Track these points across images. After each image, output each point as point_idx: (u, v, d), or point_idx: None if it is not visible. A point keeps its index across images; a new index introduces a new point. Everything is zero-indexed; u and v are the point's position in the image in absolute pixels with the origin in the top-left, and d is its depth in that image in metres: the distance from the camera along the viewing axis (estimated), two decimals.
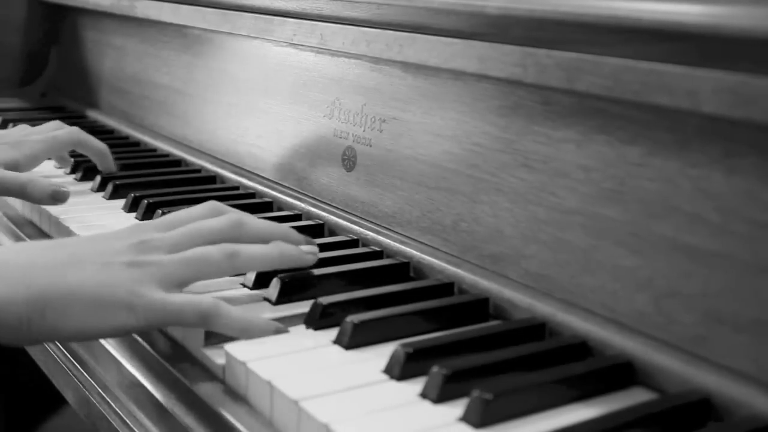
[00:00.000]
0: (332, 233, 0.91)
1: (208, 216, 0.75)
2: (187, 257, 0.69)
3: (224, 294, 0.75)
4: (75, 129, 1.12)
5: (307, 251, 0.75)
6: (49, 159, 1.15)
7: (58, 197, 0.96)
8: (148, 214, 0.95)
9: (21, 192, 0.97)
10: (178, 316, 0.66)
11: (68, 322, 0.64)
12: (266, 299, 0.74)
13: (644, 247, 0.63)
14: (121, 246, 0.69)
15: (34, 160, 1.06)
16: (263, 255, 0.72)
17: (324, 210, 0.93)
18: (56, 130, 1.11)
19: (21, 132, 1.10)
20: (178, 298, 0.66)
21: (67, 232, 0.92)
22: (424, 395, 0.58)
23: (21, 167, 1.03)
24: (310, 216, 0.94)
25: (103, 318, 0.64)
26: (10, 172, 0.98)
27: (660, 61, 0.59)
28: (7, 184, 0.97)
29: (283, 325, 0.68)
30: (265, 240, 0.74)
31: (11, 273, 0.64)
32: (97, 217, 0.96)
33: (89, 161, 1.14)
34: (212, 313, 0.66)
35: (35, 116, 1.50)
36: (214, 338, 0.67)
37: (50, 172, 1.16)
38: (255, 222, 0.75)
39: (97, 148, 1.11)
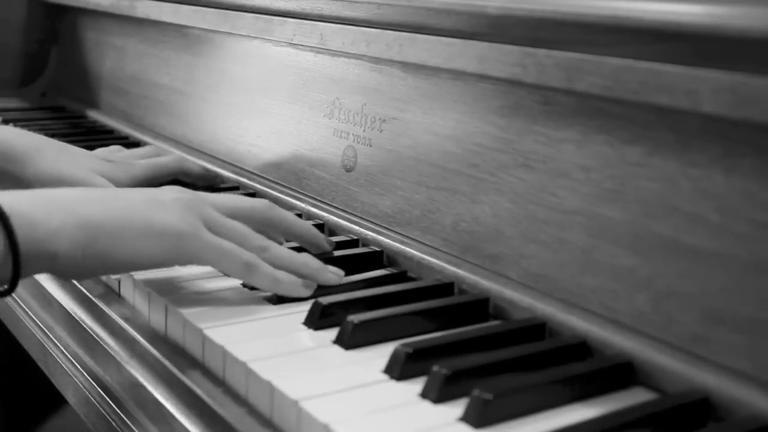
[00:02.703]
0: (332, 233, 0.91)
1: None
2: (232, 225, 0.73)
3: (225, 294, 0.75)
4: (180, 156, 1.10)
5: (332, 271, 0.76)
6: None
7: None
8: None
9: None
10: (222, 259, 0.70)
11: (121, 248, 0.67)
12: (266, 299, 0.74)
13: (644, 247, 0.63)
14: (170, 193, 0.73)
15: (137, 185, 1.01)
16: (289, 258, 0.74)
17: (324, 210, 0.93)
18: (156, 155, 1.08)
19: (116, 153, 1.07)
20: (225, 242, 0.71)
21: None
22: (424, 395, 0.58)
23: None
24: (310, 216, 0.94)
25: (154, 244, 0.68)
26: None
27: (660, 61, 0.60)
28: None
29: (312, 283, 0.73)
30: (290, 230, 0.79)
31: (62, 204, 0.67)
32: None
33: None
34: (254, 264, 0.71)
35: (35, 116, 1.50)
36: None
37: None
38: (285, 212, 0.81)
39: (199, 174, 1.08)
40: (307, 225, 0.82)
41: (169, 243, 0.69)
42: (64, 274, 0.69)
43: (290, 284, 0.72)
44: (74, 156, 0.96)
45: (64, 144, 0.99)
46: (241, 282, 0.77)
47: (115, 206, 0.69)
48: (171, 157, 1.08)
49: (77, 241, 0.65)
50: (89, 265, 0.68)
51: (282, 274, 0.72)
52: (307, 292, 0.73)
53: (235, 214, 0.75)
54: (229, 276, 0.75)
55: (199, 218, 0.71)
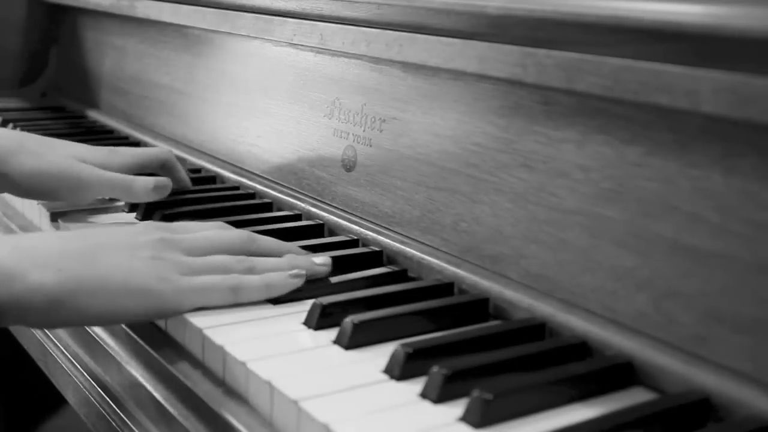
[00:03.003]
0: (332, 233, 0.91)
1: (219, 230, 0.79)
2: (208, 261, 0.72)
3: None
4: (167, 149, 1.08)
5: (319, 263, 0.77)
6: None
7: (159, 188, 0.95)
8: (148, 214, 0.95)
9: (127, 191, 0.94)
10: (207, 294, 0.70)
11: (100, 304, 0.66)
12: (267, 300, 0.74)
13: (644, 247, 0.63)
14: (145, 240, 0.71)
15: (126, 172, 1.01)
16: (277, 267, 0.75)
17: (324, 210, 0.93)
18: (151, 149, 1.07)
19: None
20: (203, 278, 0.70)
21: None
22: (424, 395, 0.58)
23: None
24: (310, 216, 0.94)
25: (133, 301, 0.67)
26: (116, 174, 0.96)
27: (660, 61, 0.59)
28: (114, 183, 0.95)
29: (300, 272, 0.74)
30: (274, 256, 0.77)
31: (43, 257, 0.66)
32: (96, 218, 0.96)
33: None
34: (239, 284, 0.71)
35: (35, 116, 1.50)
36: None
37: None
38: (265, 239, 0.80)
39: (181, 178, 1.04)
40: (289, 244, 0.81)
41: (148, 301, 0.68)
42: (37, 326, 0.68)
43: (282, 285, 0.73)
44: (53, 147, 0.96)
45: (45, 138, 0.99)
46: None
47: (96, 262, 0.67)
48: (159, 149, 1.07)
49: (54, 298, 0.65)
50: (64, 319, 0.67)
51: (270, 278, 0.72)
52: (299, 282, 0.73)
53: (213, 252, 0.74)
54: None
55: (175, 269, 0.70)
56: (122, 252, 0.69)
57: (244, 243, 0.77)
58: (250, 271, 0.73)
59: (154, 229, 0.75)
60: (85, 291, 0.66)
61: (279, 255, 0.78)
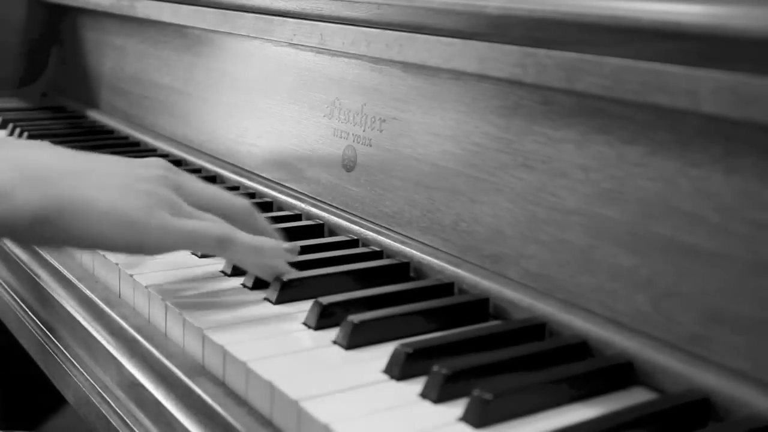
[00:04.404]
0: (332, 233, 0.91)
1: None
2: (200, 216, 0.70)
3: (225, 295, 0.75)
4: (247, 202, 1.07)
5: (288, 248, 0.74)
6: None
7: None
8: None
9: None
10: (193, 239, 0.69)
11: (84, 227, 0.66)
12: (266, 299, 0.74)
13: (644, 247, 0.63)
14: (144, 173, 0.71)
15: None
16: (261, 246, 0.72)
17: (324, 210, 0.93)
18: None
19: None
20: (193, 222, 0.69)
21: None
22: (424, 395, 0.58)
23: None
24: (309, 216, 0.94)
25: (117, 229, 0.66)
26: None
27: (660, 61, 0.59)
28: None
29: (294, 246, 0.73)
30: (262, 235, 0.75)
31: (33, 173, 0.66)
32: None
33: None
34: (228, 237, 0.69)
35: (35, 116, 1.51)
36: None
37: None
38: (263, 219, 0.78)
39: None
40: (277, 237, 0.79)
41: (131, 232, 0.67)
42: (23, 242, 0.68)
43: (273, 250, 0.71)
44: None
45: None
46: (241, 282, 0.77)
47: (86, 184, 0.67)
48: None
49: (40, 216, 0.64)
50: (49, 238, 0.67)
51: (262, 241, 0.71)
52: (291, 257, 0.72)
53: (211, 207, 0.73)
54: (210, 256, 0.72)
55: (167, 206, 0.69)
56: (115, 179, 0.68)
57: (245, 211, 0.75)
58: (229, 241, 0.70)
59: (159, 166, 0.74)
60: (69, 211, 0.65)
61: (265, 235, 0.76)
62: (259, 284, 0.76)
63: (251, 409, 0.61)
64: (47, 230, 0.65)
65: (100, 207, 0.66)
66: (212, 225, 0.69)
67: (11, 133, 1.38)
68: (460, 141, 0.78)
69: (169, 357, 0.69)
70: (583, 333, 0.65)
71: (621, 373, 0.62)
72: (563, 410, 0.58)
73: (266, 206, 0.99)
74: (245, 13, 1.06)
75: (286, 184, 1.00)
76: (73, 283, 0.84)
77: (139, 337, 0.73)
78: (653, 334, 0.62)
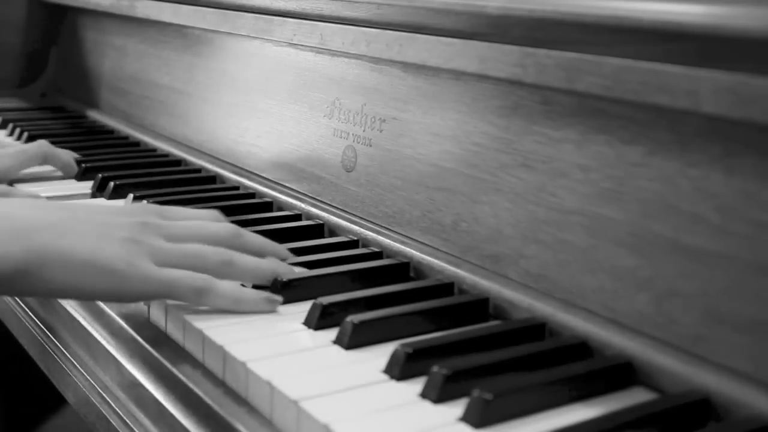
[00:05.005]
0: (332, 233, 0.91)
1: (210, 220, 0.79)
2: (184, 249, 0.71)
3: None
4: (44, 143, 1.14)
5: (269, 298, 0.73)
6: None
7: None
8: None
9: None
10: (172, 289, 0.69)
11: (64, 278, 0.66)
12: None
13: (644, 247, 0.63)
14: (123, 222, 0.71)
15: (5, 175, 1.09)
16: (256, 268, 0.74)
17: (324, 210, 0.93)
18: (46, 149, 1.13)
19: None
20: (172, 272, 0.69)
21: None
22: (424, 395, 0.58)
23: None
24: (309, 216, 0.94)
25: (98, 280, 0.67)
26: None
27: (660, 61, 0.59)
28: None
29: (277, 297, 0.71)
30: (257, 254, 0.76)
31: (14, 225, 0.66)
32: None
33: (86, 161, 1.15)
34: (206, 288, 0.69)
35: (35, 116, 1.50)
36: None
37: (43, 169, 1.17)
38: (251, 235, 0.78)
39: (66, 162, 1.14)
40: (274, 244, 0.80)
41: (111, 282, 0.67)
42: (6, 293, 0.69)
43: (253, 302, 0.71)
44: None
45: None
46: (241, 283, 0.77)
47: (66, 235, 0.67)
48: (36, 143, 1.13)
49: (20, 268, 0.65)
50: (30, 289, 0.68)
51: (242, 293, 0.71)
52: (272, 308, 0.71)
53: (197, 241, 0.73)
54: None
55: (147, 254, 0.69)
56: (95, 229, 0.69)
57: (229, 237, 0.76)
58: (227, 264, 0.72)
59: (142, 212, 0.74)
60: (50, 263, 0.66)
61: (263, 254, 0.77)
62: (258, 285, 0.76)
63: (251, 409, 0.61)
64: (28, 282, 0.66)
65: (80, 257, 0.67)
66: (192, 276, 0.69)
67: (11, 133, 1.38)
68: (460, 141, 0.78)
69: (169, 357, 0.69)
70: (583, 333, 0.65)
71: (621, 373, 0.62)
72: (563, 410, 0.58)
73: (266, 206, 0.99)
74: (245, 13, 1.06)
75: (286, 184, 1.00)
76: None
77: (139, 338, 0.73)
78: (653, 334, 0.62)
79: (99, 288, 0.67)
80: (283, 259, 0.79)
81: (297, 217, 0.95)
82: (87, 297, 0.72)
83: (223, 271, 0.72)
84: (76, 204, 0.75)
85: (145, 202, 0.81)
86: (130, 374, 0.70)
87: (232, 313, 0.70)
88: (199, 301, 0.70)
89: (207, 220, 0.78)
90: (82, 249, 0.67)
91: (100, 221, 0.70)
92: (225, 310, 0.71)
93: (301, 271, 0.77)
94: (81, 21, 1.58)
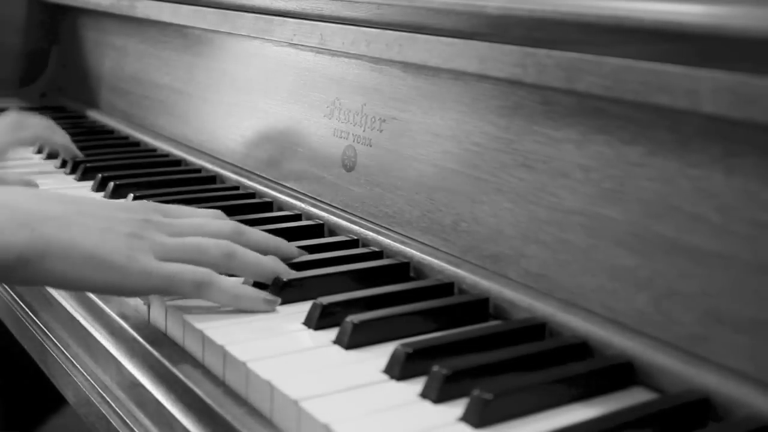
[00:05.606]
0: (332, 233, 0.91)
1: (212, 218, 0.79)
2: (185, 243, 0.72)
3: None
4: (47, 124, 1.16)
5: (268, 299, 0.74)
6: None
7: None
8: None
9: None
10: (172, 283, 0.69)
11: (65, 269, 0.67)
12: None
13: (644, 247, 0.63)
14: (126, 217, 0.72)
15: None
16: (257, 263, 0.74)
17: (324, 210, 0.93)
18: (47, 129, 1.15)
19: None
20: (173, 266, 0.70)
21: None
22: (424, 395, 0.58)
23: None
24: (310, 216, 0.94)
25: (98, 273, 0.68)
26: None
27: (660, 61, 0.59)
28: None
29: (275, 298, 0.72)
30: (260, 252, 0.76)
31: (19, 215, 0.67)
32: None
33: (86, 161, 1.15)
34: (206, 282, 0.70)
35: None
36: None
37: (44, 168, 1.17)
38: (254, 232, 0.78)
39: (62, 144, 1.16)
40: (276, 239, 0.80)
41: (112, 275, 0.68)
42: (5, 281, 0.69)
43: (251, 300, 0.71)
44: None
45: None
46: (241, 282, 0.77)
47: (70, 228, 0.68)
48: (34, 122, 1.16)
49: (23, 257, 0.65)
50: (30, 278, 0.68)
51: (242, 289, 0.71)
52: (271, 308, 0.72)
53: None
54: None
55: (149, 249, 0.70)
56: (98, 223, 0.70)
57: (231, 234, 0.76)
58: (228, 257, 0.72)
59: (144, 209, 0.75)
60: (51, 254, 0.66)
61: (266, 251, 0.77)
62: (259, 284, 0.76)
63: (251, 409, 0.61)
64: (29, 271, 0.66)
65: (82, 250, 0.67)
66: (192, 269, 0.70)
67: None
68: (461, 141, 0.78)
69: (169, 357, 0.69)
70: (583, 333, 0.65)
71: (621, 373, 0.62)
72: (563, 410, 0.58)
73: (266, 206, 0.99)
74: (245, 13, 1.06)
75: (286, 184, 1.00)
76: None
77: (139, 338, 0.73)
78: (653, 334, 0.62)
79: (99, 281, 0.68)
80: (285, 256, 0.79)
81: (297, 217, 0.95)
82: (86, 289, 0.73)
83: (224, 263, 0.72)
84: (81, 198, 0.75)
85: (147, 201, 0.81)
86: (130, 374, 0.70)
87: (231, 311, 0.71)
88: (199, 295, 0.70)
89: (210, 217, 0.79)
90: (84, 242, 0.67)
91: (104, 216, 0.71)
92: (224, 306, 0.71)
93: (300, 271, 0.77)
94: (81, 21, 1.58)
